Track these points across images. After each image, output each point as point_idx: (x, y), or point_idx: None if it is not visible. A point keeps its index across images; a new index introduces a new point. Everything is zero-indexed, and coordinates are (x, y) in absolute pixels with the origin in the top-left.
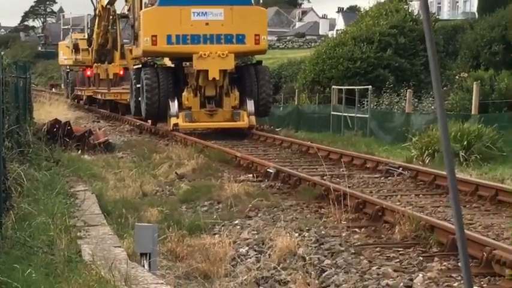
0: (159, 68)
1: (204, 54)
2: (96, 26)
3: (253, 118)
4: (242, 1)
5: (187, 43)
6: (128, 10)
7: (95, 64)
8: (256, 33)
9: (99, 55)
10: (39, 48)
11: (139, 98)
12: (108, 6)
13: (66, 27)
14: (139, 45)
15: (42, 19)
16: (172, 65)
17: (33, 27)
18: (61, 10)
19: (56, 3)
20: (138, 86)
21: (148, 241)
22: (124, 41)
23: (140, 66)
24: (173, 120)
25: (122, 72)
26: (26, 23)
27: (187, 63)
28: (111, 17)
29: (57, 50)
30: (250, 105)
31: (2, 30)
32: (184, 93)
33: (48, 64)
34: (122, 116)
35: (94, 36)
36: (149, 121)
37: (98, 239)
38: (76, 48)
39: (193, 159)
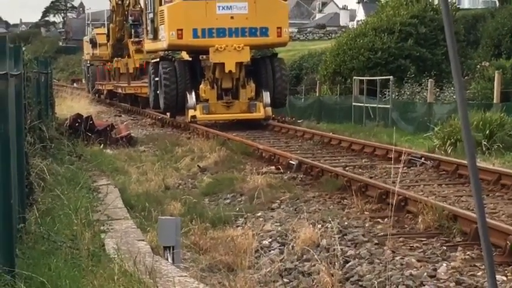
0: (176, 62)
1: (220, 48)
2: (112, 21)
3: (269, 109)
4: None
5: (213, 36)
6: (144, 5)
7: (115, 58)
8: (278, 26)
9: (116, 50)
10: (60, 44)
11: (158, 92)
12: (119, 2)
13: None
14: (163, 39)
15: (62, 14)
16: (190, 59)
17: (54, 23)
18: (81, 5)
19: None
20: (157, 79)
21: (172, 234)
22: (141, 35)
23: (158, 60)
24: (191, 113)
25: (143, 67)
26: (46, 18)
27: (204, 56)
28: (126, 12)
29: (81, 45)
30: (266, 96)
31: (23, 26)
32: (202, 86)
33: (69, 59)
34: (142, 109)
35: (110, 31)
36: (168, 114)
37: (121, 232)
38: (95, 43)
39: (215, 151)
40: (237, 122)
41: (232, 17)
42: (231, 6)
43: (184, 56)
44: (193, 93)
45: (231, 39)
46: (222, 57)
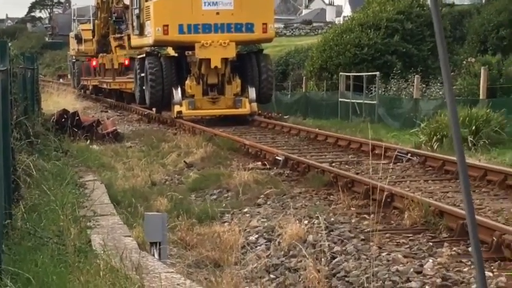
0: (162, 57)
1: (206, 43)
2: (97, 18)
3: (254, 105)
4: None
5: (198, 32)
6: (130, 1)
7: (101, 54)
8: (264, 21)
9: (101, 45)
10: (47, 39)
11: (144, 87)
12: (98, 2)
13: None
14: (149, 34)
15: (49, 10)
16: (176, 54)
17: (40, 18)
18: (67, 1)
19: None
20: (143, 75)
21: (158, 230)
22: (125, 31)
23: (144, 55)
24: (177, 108)
25: (127, 62)
26: (32, 13)
27: (190, 52)
28: (110, 8)
29: (67, 40)
30: (252, 92)
31: (9, 21)
32: (187, 82)
33: (56, 55)
34: (128, 104)
35: (95, 27)
36: (154, 109)
37: (107, 228)
38: (80, 39)
39: (201, 147)
40: (224, 117)
41: (218, 13)
42: (216, 2)
43: (170, 51)
44: (179, 88)
45: (216, 35)
46: (207, 53)
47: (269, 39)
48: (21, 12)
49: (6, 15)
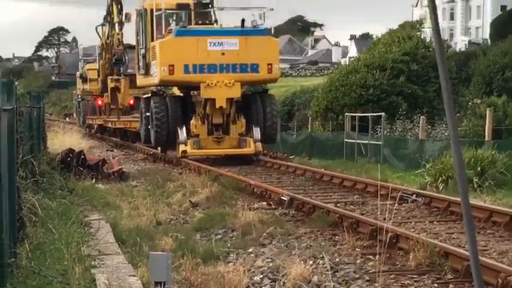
0: (168, 97)
1: (211, 83)
2: (102, 58)
3: (259, 145)
4: (256, 32)
5: (204, 72)
6: (136, 41)
7: (105, 94)
8: (269, 62)
9: (106, 85)
10: (53, 78)
11: (149, 126)
12: (107, 41)
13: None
14: (155, 74)
15: (55, 49)
16: (181, 94)
17: (46, 57)
18: (74, 40)
19: (70, 33)
20: (148, 114)
21: (163, 270)
22: (128, 71)
23: (150, 95)
24: (182, 147)
25: (132, 102)
26: (39, 52)
27: (195, 92)
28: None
29: (74, 79)
30: (257, 132)
31: (16, 60)
32: (193, 121)
33: (62, 94)
34: (132, 143)
35: (100, 67)
36: (159, 148)
37: (112, 268)
38: (85, 79)
39: (207, 187)
40: (229, 157)
41: (223, 53)
42: (222, 43)
43: (176, 91)
44: (184, 128)
45: (222, 75)
46: (213, 93)
47: (274, 79)
48: (28, 51)
49: (13, 54)
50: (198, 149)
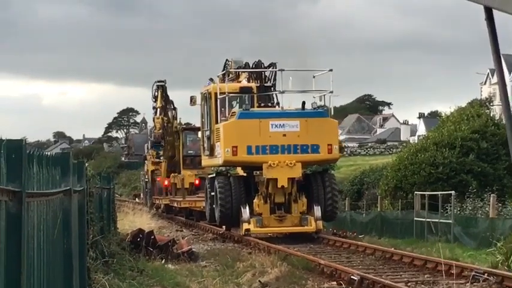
0: (231, 177)
1: (273, 164)
2: (164, 140)
3: (320, 223)
4: (316, 114)
5: (266, 153)
6: (201, 123)
7: (172, 174)
8: (329, 143)
9: (170, 166)
10: (123, 159)
11: (214, 205)
12: (164, 124)
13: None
14: (219, 155)
15: (125, 130)
16: (244, 174)
17: (116, 138)
18: (144, 121)
19: (139, 114)
20: (213, 194)
21: None
22: (189, 152)
23: (214, 175)
24: (245, 226)
25: (197, 182)
26: (109, 134)
27: (258, 172)
28: (174, 132)
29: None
30: (317, 210)
31: (86, 141)
32: (255, 200)
33: (132, 174)
34: (197, 222)
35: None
36: (223, 227)
37: None
38: (152, 160)
39: (276, 267)
40: (296, 236)
41: (284, 135)
42: (283, 125)
43: (239, 171)
44: (247, 207)
45: (283, 155)
46: (275, 173)
47: (334, 159)
48: (98, 133)
49: (84, 135)
50: (261, 227)
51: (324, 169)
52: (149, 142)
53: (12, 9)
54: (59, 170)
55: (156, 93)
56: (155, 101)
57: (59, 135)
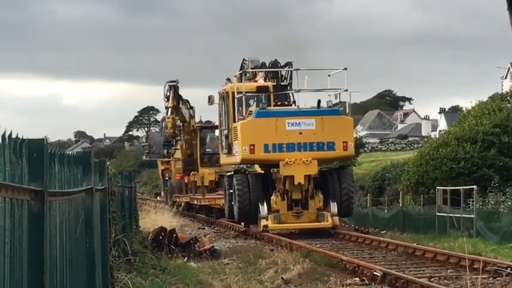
0: (249, 175)
1: (290, 161)
2: (181, 139)
3: (336, 219)
4: (331, 112)
5: (283, 151)
6: (220, 122)
7: (192, 172)
8: (344, 140)
9: (187, 164)
10: (144, 158)
11: (232, 202)
12: (180, 124)
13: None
14: (237, 153)
15: (146, 128)
16: (262, 171)
17: (137, 137)
18: (164, 119)
19: (160, 112)
20: (231, 191)
21: None
22: (207, 150)
23: (232, 173)
24: (263, 222)
25: (217, 179)
26: (130, 132)
27: (275, 170)
28: (191, 131)
29: None
30: (334, 206)
31: (107, 140)
32: (273, 197)
33: (153, 173)
34: (217, 219)
35: (181, 147)
36: (242, 223)
37: None
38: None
39: (299, 263)
40: (307, 230)
41: (300, 133)
42: (299, 123)
43: (257, 168)
44: (265, 204)
45: (299, 153)
46: (291, 170)
47: (349, 156)
48: (118, 132)
49: (104, 134)
50: (279, 224)
51: (340, 166)
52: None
53: (30, 9)
54: (80, 169)
55: (168, 93)
56: (167, 101)
57: (80, 135)
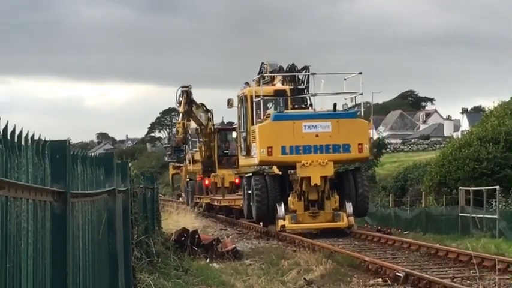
0: (267, 176)
1: (307, 163)
2: (199, 141)
3: (351, 218)
4: (347, 115)
5: (299, 153)
6: (238, 125)
7: (213, 173)
8: (359, 142)
9: (206, 166)
10: (166, 159)
11: (251, 203)
12: (197, 128)
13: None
14: (255, 155)
15: (167, 130)
16: (279, 173)
17: (159, 138)
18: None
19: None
20: (250, 192)
21: None
22: (224, 152)
23: (251, 174)
24: (280, 222)
25: (237, 181)
26: (152, 134)
27: (292, 171)
28: (209, 134)
29: None
30: (349, 207)
31: (129, 141)
32: (290, 198)
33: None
34: (236, 219)
35: (200, 149)
36: (260, 223)
37: None
38: (191, 160)
39: (321, 264)
40: (324, 230)
41: (317, 135)
42: (316, 126)
43: (275, 170)
44: (282, 204)
45: (316, 155)
46: (308, 171)
47: (365, 158)
48: (140, 133)
49: (126, 136)
50: (296, 224)
51: (356, 167)
52: (190, 142)
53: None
54: (102, 170)
55: (181, 98)
56: (179, 106)
57: (102, 136)
